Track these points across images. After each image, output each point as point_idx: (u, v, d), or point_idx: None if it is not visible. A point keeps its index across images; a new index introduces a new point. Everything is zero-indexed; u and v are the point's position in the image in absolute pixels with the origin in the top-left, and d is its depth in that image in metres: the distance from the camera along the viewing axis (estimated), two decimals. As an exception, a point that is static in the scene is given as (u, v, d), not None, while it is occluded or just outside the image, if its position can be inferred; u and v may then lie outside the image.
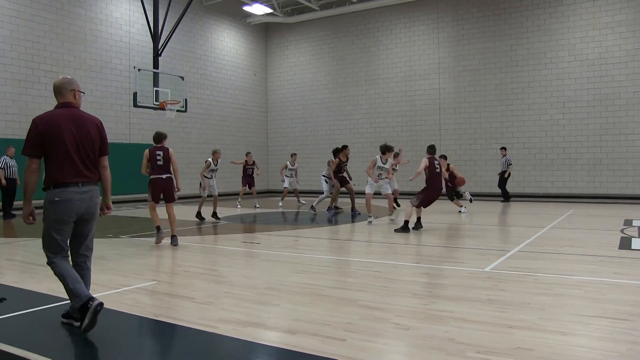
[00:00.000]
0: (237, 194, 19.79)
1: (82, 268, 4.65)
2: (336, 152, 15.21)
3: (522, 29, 20.42)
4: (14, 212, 14.85)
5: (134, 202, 19.75)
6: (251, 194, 18.63)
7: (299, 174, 19.46)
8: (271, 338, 4.35)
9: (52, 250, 4.46)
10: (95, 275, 7.05)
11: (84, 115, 4.60)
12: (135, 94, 15.49)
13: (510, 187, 20.35)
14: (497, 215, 14.84)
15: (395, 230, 11.14)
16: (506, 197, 19.33)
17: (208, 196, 14.04)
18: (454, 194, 15.38)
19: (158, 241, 9.54)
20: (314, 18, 24.59)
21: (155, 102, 15.97)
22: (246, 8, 22.67)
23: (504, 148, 19.53)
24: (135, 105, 15.71)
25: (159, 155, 9.48)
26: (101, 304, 4.31)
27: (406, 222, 11.03)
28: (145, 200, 20.15)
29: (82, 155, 4.46)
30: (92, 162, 4.56)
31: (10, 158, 14.71)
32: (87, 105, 18.50)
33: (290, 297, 5.65)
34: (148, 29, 17.20)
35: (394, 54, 23.17)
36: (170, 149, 9.62)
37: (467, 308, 5.04)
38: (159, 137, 9.69)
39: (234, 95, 24.97)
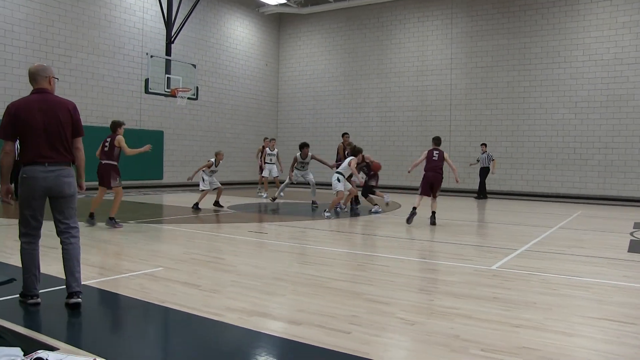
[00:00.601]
0: (250, 183, 19.80)
1: (65, 244, 4.86)
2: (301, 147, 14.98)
3: (536, 27, 20.26)
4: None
5: (143, 188, 19.83)
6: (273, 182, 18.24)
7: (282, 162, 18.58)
8: (276, 328, 4.36)
9: (22, 224, 4.75)
10: (103, 259, 7.11)
11: (56, 100, 4.81)
12: (147, 81, 15.50)
13: (520, 186, 20.29)
14: (505, 214, 14.77)
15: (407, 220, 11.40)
16: (484, 193, 19.37)
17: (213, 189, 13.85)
18: (370, 189, 14.00)
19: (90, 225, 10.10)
20: (328, 10, 24.50)
21: (166, 89, 15.99)
22: (260, -3, 22.62)
23: (484, 144, 19.55)
24: (146, 91, 15.73)
25: (107, 141, 10.08)
26: (36, 304, 4.73)
27: (414, 207, 11.48)
28: (153, 187, 20.33)
29: (50, 138, 4.67)
30: (61, 144, 4.75)
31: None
32: (100, 90, 18.60)
33: (296, 288, 5.65)
34: (162, 15, 17.19)
35: (406, 48, 23.06)
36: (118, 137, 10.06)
37: (472, 305, 5.03)
38: (114, 125, 10.23)
39: (245, 85, 24.96)
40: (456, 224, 12.01)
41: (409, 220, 11.38)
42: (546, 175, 20.09)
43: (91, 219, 10.18)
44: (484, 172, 19.28)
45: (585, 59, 19.41)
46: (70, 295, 4.72)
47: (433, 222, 11.42)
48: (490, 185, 20.26)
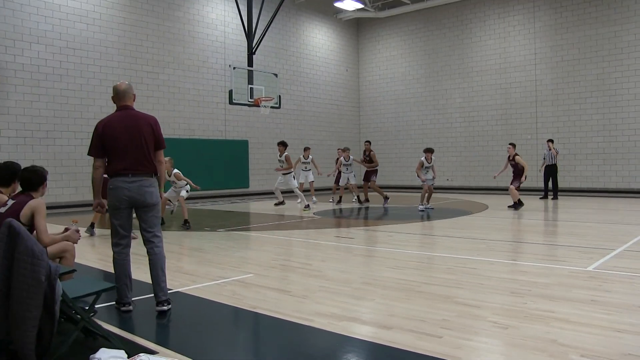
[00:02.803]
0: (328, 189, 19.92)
1: (150, 254, 5.11)
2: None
3: (629, 13, 19.18)
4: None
5: (229, 197, 20.39)
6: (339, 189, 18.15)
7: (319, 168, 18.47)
8: (367, 333, 4.37)
9: (113, 234, 5.08)
10: (194, 266, 7.37)
11: (140, 115, 5.15)
12: (230, 92, 15.92)
13: (614, 183, 19.30)
14: (599, 212, 14.10)
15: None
16: (554, 192, 18.19)
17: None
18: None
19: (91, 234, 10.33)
20: (405, 12, 24.28)
21: (249, 99, 16.35)
22: (337, 4, 22.75)
23: (551, 140, 18.30)
24: (230, 102, 16.16)
25: None
26: (128, 311, 5.04)
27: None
28: (240, 195, 20.86)
29: (134, 151, 4.96)
30: (144, 157, 5.01)
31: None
32: (185, 104, 19.31)
33: (385, 293, 5.64)
34: (242, 28, 17.64)
35: (487, 45, 22.50)
36: None
37: (568, 309, 4.84)
38: None
39: (326, 91, 25.17)
40: (546, 224, 11.59)
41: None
42: (644, 170, 18.99)
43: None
44: (553, 169, 18.11)
45: (684, 45, 18.15)
46: (158, 304, 5.02)
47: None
48: (581, 183, 19.37)
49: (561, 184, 19.99)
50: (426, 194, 14.80)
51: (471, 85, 22.90)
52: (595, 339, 4.02)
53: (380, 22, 25.77)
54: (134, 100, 5.25)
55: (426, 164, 15.04)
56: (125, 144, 4.93)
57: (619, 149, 19.28)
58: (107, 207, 5.22)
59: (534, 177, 19.16)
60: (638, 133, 18.98)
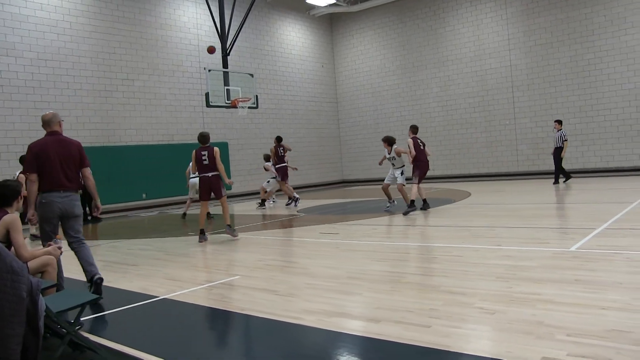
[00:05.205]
0: (315, 186, 19.92)
1: (78, 248, 6.03)
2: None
3: (597, -4, 19.41)
4: (100, 217, 15.71)
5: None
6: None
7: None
8: (356, 327, 4.39)
9: (44, 238, 5.84)
10: (180, 272, 7.33)
11: (67, 140, 6.06)
12: (207, 95, 15.84)
13: (593, 163, 19.52)
14: (579, 193, 14.26)
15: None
16: (566, 174, 17.26)
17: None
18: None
19: (201, 241, 9.97)
20: (378, 4, 24.30)
21: (227, 101, 16.28)
22: (309, 0, 22.71)
23: (558, 121, 17.39)
24: (208, 105, 16.07)
25: (204, 155, 9.85)
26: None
27: (412, 201, 11.88)
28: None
29: (64, 170, 5.86)
30: (72, 175, 5.95)
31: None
32: (163, 109, 19.17)
33: (372, 286, 5.66)
34: (215, 30, 17.55)
35: (461, 34, 22.62)
36: (215, 148, 9.90)
37: (554, 290, 4.89)
38: (204, 139, 10.05)
39: (303, 88, 25.15)
40: (528, 208, 11.70)
41: (424, 208, 12.34)
42: (621, 149, 19.21)
43: (203, 235, 10.06)
44: (558, 152, 17.05)
45: (655, 22, 18.35)
46: (92, 277, 5.83)
47: (427, 207, 12.40)
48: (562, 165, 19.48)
49: (541, 167, 20.22)
50: (407, 193, 12.18)
51: (447, 74, 23.02)
52: (580, 317, 4.07)
53: (353, 16, 25.79)
54: (60, 127, 6.09)
55: (387, 156, 12.69)
56: (57, 164, 5.81)
57: (595, 129, 19.51)
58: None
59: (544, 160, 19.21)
60: (613, 112, 19.22)
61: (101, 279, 5.83)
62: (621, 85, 19.05)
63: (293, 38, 24.80)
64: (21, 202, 5.09)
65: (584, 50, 19.72)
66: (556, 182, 17.25)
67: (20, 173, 10.57)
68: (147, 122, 18.71)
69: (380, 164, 13.63)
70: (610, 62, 19.22)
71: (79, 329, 4.29)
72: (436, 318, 4.33)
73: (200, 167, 9.95)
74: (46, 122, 5.98)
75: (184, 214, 14.91)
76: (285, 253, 8.46)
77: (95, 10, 17.61)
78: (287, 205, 16.11)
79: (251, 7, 17.78)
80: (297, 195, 16.30)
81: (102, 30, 17.75)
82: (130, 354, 4.11)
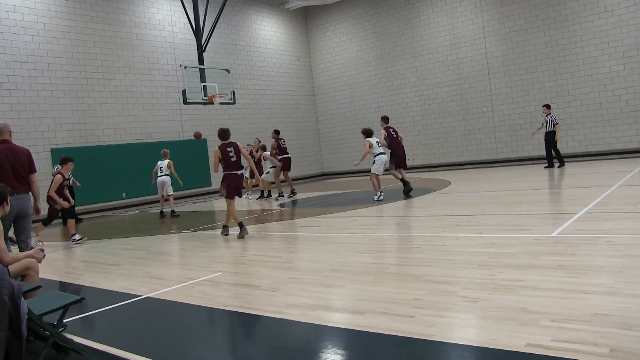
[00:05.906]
0: (297, 179, 19.83)
1: (24, 249, 6.38)
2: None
3: (569, -18, 19.53)
4: (80, 217, 15.53)
5: (191, 197, 20.16)
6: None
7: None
8: (340, 320, 4.36)
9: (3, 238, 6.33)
10: (162, 270, 7.26)
11: (17, 148, 6.82)
12: (184, 92, 15.68)
13: (572, 147, 19.68)
14: (559, 178, 14.39)
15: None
16: (561, 160, 17.38)
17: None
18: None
19: (242, 236, 9.34)
20: (353, -4, 24.29)
21: (203, 97, 16.14)
22: (284, -6, 22.58)
23: (547, 106, 17.59)
24: (185, 102, 15.92)
25: (231, 151, 9.48)
26: None
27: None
28: (203, 195, 20.62)
29: (15, 174, 6.62)
30: (23, 179, 6.71)
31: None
32: (140, 108, 18.98)
33: (355, 278, 5.64)
34: (190, 26, 17.38)
35: (436, 23, 22.65)
36: (238, 144, 9.63)
37: (536, 275, 4.91)
38: (225, 134, 9.68)
39: (280, 82, 25.04)
40: (509, 194, 11.77)
41: (407, 190, 12.99)
42: (598, 132, 19.40)
43: (243, 228, 9.43)
44: (551, 136, 17.06)
45: (630, 4, 18.41)
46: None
47: (409, 189, 13.06)
48: (539, 151, 19.51)
49: (520, 153, 20.37)
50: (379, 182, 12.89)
51: (423, 64, 23.05)
52: (563, 302, 4.08)
53: (327, 8, 25.71)
54: (10, 135, 6.81)
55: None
56: (8, 169, 6.56)
57: (573, 114, 19.67)
58: None
59: (532, 145, 19.32)
60: (590, 97, 19.39)
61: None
62: (596, 70, 19.22)
63: (268, 32, 24.66)
64: (7, 207, 4.89)
65: (558, 35, 19.86)
66: (550, 165, 17.37)
67: None
68: (124, 121, 18.50)
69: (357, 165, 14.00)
70: (584, 46, 19.38)
71: (62, 330, 4.21)
72: (420, 308, 4.32)
73: (228, 165, 9.47)
74: None
75: (162, 212, 14.80)
76: (267, 248, 8.41)
77: (69, 11, 17.37)
78: (288, 196, 16.81)
79: (225, 2, 17.62)
80: (293, 189, 17.21)
81: (77, 31, 17.50)
82: (115, 354, 4.05)
